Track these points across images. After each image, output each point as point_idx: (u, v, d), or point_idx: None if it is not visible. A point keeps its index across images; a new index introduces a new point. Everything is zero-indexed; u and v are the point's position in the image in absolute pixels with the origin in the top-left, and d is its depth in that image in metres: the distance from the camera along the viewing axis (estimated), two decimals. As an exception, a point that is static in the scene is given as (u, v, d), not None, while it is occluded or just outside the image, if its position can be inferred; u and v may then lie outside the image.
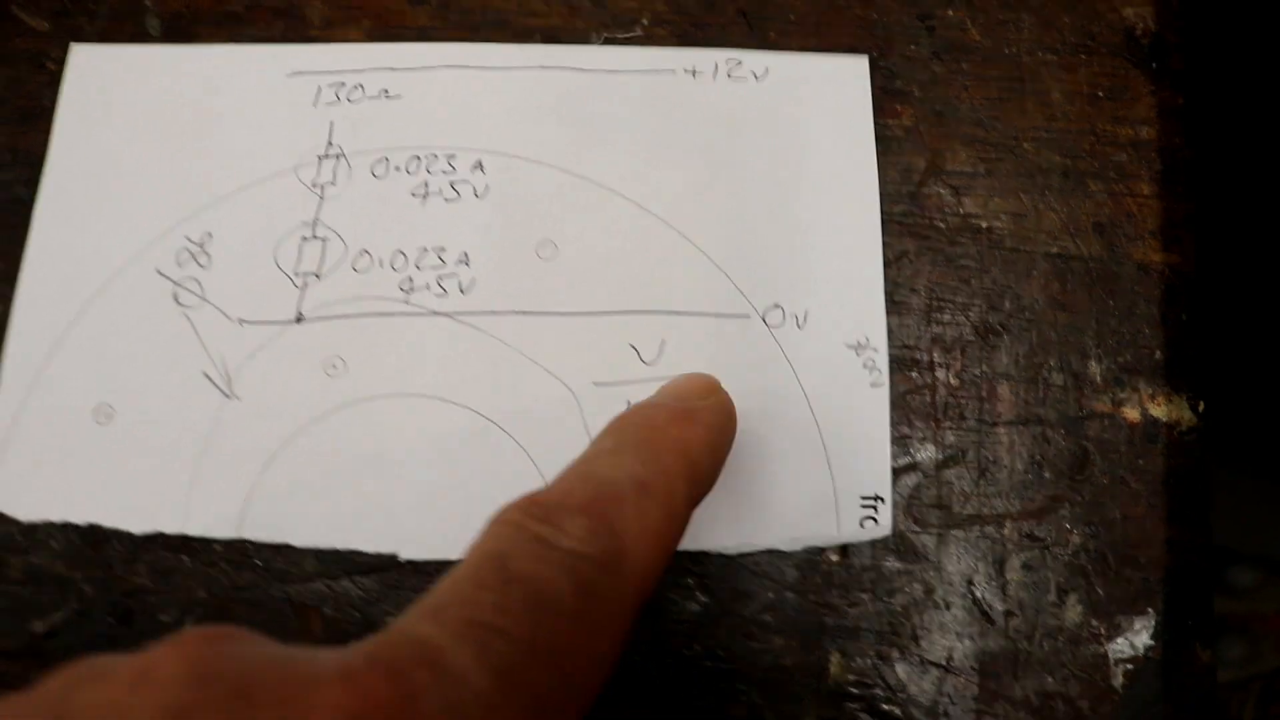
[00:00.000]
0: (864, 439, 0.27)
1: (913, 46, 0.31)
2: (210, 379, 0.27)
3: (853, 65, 0.30)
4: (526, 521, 0.17)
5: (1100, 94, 0.31)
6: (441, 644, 0.15)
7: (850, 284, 0.28)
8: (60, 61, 0.31)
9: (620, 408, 0.26)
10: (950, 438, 0.28)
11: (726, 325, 0.27)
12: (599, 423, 0.26)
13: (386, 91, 0.30)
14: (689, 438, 0.21)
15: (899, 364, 0.28)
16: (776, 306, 0.28)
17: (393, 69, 0.30)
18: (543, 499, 0.18)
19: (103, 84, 0.30)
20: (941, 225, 0.29)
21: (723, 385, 0.24)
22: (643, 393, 0.27)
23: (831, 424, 0.27)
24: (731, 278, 0.28)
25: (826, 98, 0.30)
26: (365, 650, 0.15)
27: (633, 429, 0.21)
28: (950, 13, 0.31)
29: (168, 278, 0.28)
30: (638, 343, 0.27)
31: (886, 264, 0.29)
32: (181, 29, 0.31)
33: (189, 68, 0.30)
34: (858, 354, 0.27)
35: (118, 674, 0.14)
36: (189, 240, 0.29)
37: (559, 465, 0.26)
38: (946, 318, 0.29)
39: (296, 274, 0.28)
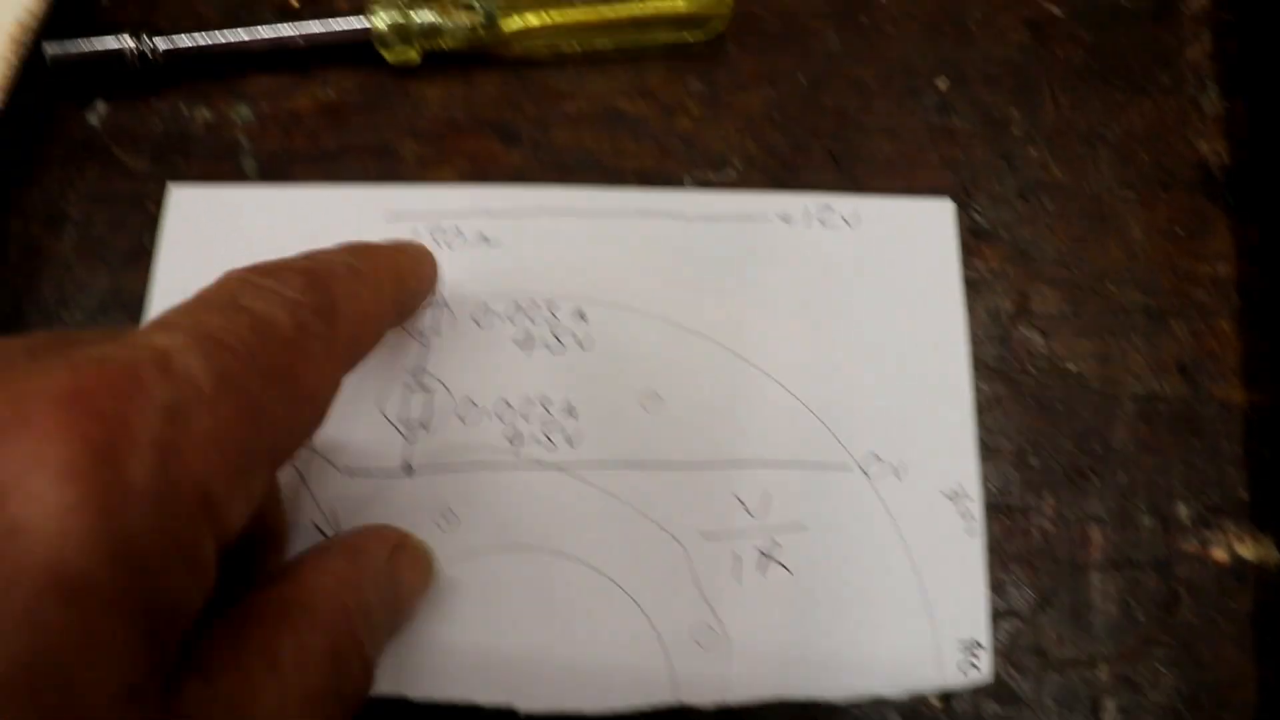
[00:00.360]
0: (962, 586, 0.28)
1: (997, 186, 0.31)
2: (321, 530, 0.28)
3: (939, 208, 0.31)
4: (251, 276, 0.20)
5: (1179, 230, 0.31)
6: (171, 349, 0.17)
7: (944, 432, 0.29)
8: (159, 202, 0.31)
9: (728, 560, 0.27)
10: (1044, 581, 0.29)
11: (828, 476, 0.28)
12: (709, 575, 0.27)
13: (485, 236, 0.30)
14: (396, 257, 0.25)
15: (992, 509, 0.29)
16: (874, 456, 0.28)
17: (490, 213, 0.30)
18: (265, 265, 0.21)
19: (201, 224, 0.31)
20: (1031, 369, 0.30)
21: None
22: (750, 545, 0.28)
23: (931, 572, 0.28)
24: (831, 428, 0.28)
25: (914, 241, 0.30)
26: (97, 350, 0.16)
27: (349, 243, 0.24)
28: (1032, 151, 0.32)
29: None
30: (743, 495, 0.28)
31: (979, 409, 0.29)
32: (277, 168, 0.32)
33: (287, 208, 0.31)
34: (954, 502, 0.28)
35: None
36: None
37: (671, 617, 0.27)
38: (1036, 463, 0.29)
39: (404, 424, 0.28)
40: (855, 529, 0.28)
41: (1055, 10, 0.34)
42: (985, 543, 0.28)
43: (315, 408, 0.20)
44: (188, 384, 0.17)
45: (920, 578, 0.28)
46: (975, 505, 0.28)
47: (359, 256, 0.23)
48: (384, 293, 0.24)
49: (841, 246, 0.30)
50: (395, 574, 0.24)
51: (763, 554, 0.27)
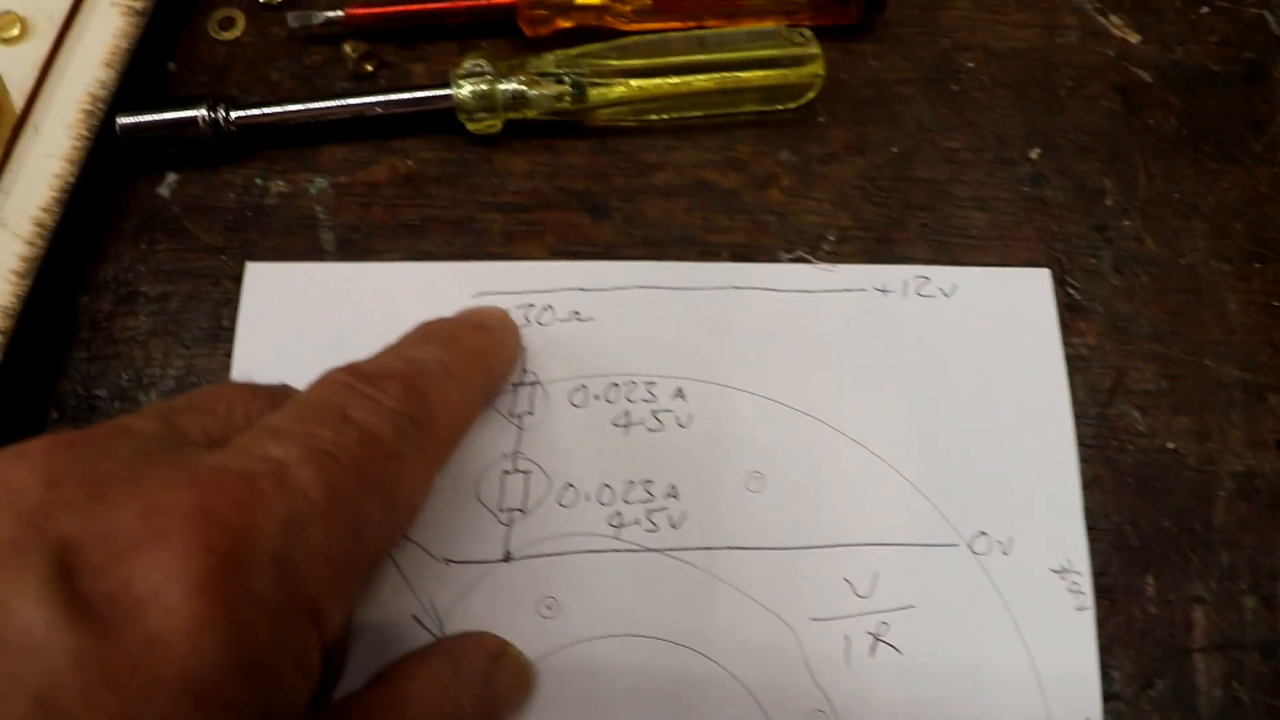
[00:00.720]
0: (1074, 665, 0.27)
1: (1092, 260, 0.31)
2: (421, 623, 0.27)
3: (1036, 278, 0.30)
4: (354, 382, 0.21)
5: (1275, 303, 0.31)
6: (286, 461, 0.18)
7: (1050, 506, 0.28)
8: (235, 278, 0.30)
9: (839, 643, 0.27)
10: (1147, 664, 0.28)
11: (936, 555, 0.28)
12: (820, 659, 0.26)
13: (578, 314, 0.29)
14: (483, 342, 0.26)
15: (1098, 591, 0.29)
16: (982, 534, 0.28)
17: (583, 289, 0.30)
18: (364, 368, 0.21)
19: (280, 302, 0.30)
20: (1130, 446, 0.30)
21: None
22: (861, 628, 0.27)
23: (1042, 650, 0.27)
24: (937, 506, 0.28)
25: (1013, 312, 0.30)
26: (215, 461, 0.18)
27: (437, 329, 0.25)
28: (1126, 222, 0.31)
29: None
30: (851, 576, 0.27)
31: (1081, 488, 0.29)
32: (356, 241, 0.31)
33: (369, 286, 0.30)
34: (1062, 578, 0.28)
35: None
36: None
37: (783, 702, 0.26)
38: (1136, 542, 0.29)
39: (501, 510, 0.28)
40: (964, 607, 0.27)
41: (1144, 76, 0.33)
42: (1095, 618, 0.28)
43: (410, 513, 0.21)
44: (302, 498, 0.18)
45: (1031, 656, 0.27)
46: (1084, 580, 0.28)
47: (449, 349, 0.24)
48: (473, 386, 0.25)
49: (940, 318, 0.30)
50: (493, 684, 0.24)
51: (872, 636, 0.27)
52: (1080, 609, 0.28)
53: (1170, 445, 0.30)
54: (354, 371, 0.21)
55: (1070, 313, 0.30)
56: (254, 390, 0.22)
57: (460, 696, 0.23)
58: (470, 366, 0.25)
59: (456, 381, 0.23)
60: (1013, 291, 0.30)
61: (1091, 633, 0.28)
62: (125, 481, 0.17)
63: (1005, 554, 0.28)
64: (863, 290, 0.30)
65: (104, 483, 0.17)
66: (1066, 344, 0.30)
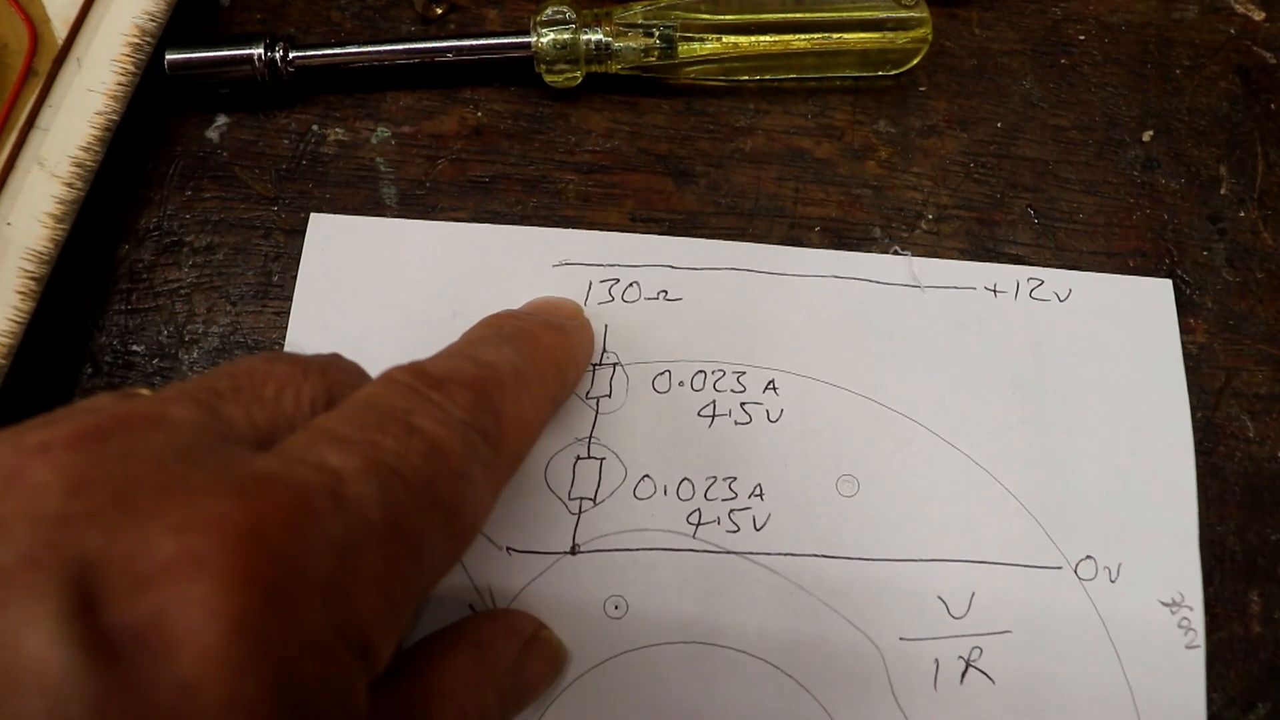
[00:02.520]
0: (1180, 707, 0.25)
1: (1205, 253, 0.29)
2: (475, 612, 0.25)
3: (1158, 289, 0.28)
4: (420, 387, 0.18)
5: (1397, 307, 0.29)
6: (344, 473, 0.16)
7: (1164, 534, 0.26)
8: (287, 231, 0.28)
9: (928, 667, 0.25)
10: (1250, 685, 0.27)
11: (1038, 578, 0.26)
12: (906, 683, 0.24)
13: (666, 293, 0.27)
14: (558, 346, 0.23)
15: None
16: (1089, 558, 0.26)
17: (672, 267, 0.27)
18: (432, 370, 0.19)
19: (344, 257, 0.28)
20: (1238, 454, 0.28)
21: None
22: (953, 651, 0.25)
23: (1145, 688, 0.25)
24: (1043, 525, 0.26)
25: (1131, 324, 0.28)
26: (265, 466, 0.15)
27: (510, 328, 0.22)
28: (1241, 214, 0.29)
29: None
30: (946, 595, 0.25)
31: (1184, 495, 0.27)
32: (419, 198, 0.29)
33: (442, 247, 0.28)
34: (1172, 612, 0.26)
35: None
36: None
37: None
38: (1241, 556, 0.27)
39: (571, 498, 0.26)
40: (1064, 636, 0.26)
41: (1268, 57, 0.31)
42: (1206, 658, 0.26)
43: (471, 536, 0.19)
44: (360, 517, 0.15)
45: (1134, 694, 0.25)
46: (1197, 617, 0.26)
47: (523, 352, 0.21)
48: (546, 397, 0.22)
49: (1054, 324, 0.28)
50: (522, 670, 0.23)
51: (964, 661, 0.25)
52: (1190, 647, 0.26)
53: (1281, 454, 0.28)
54: (420, 374, 0.19)
55: (1180, 308, 0.28)
56: (304, 368, 0.19)
57: (487, 692, 0.21)
58: (545, 374, 0.22)
59: (529, 391, 0.21)
60: (1132, 301, 0.28)
61: (1201, 673, 0.26)
62: (158, 489, 0.14)
63: (1112, 581, 0.26)
64: (972, 289, 0.28)
65: (134, 489, 0.14)
66: (1175, 341, 0.28)
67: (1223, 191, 0.30)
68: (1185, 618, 0.26)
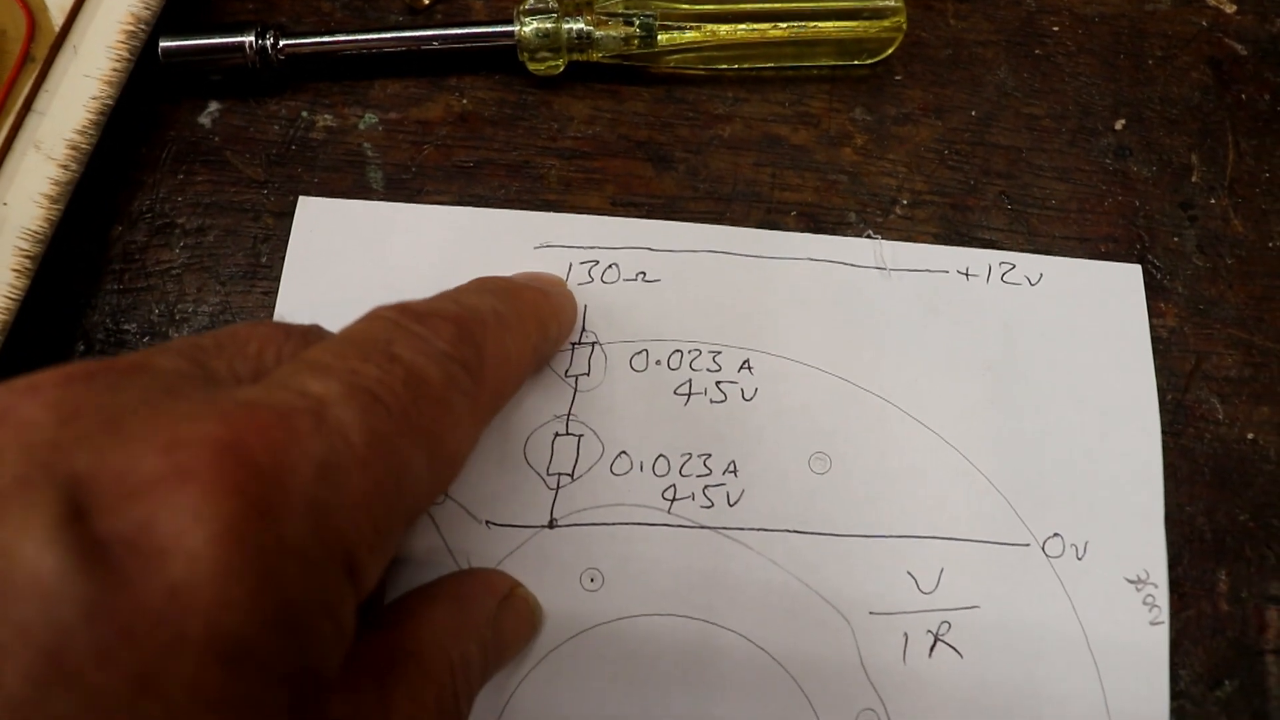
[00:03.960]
0: (1142, 680, 0.26)
1: (1175, 239, 0.29)
2: (456, 584, 0.26)
3: (1127, 273, 0.29)
4: (404, 320, 0.19)
5: (1364, 292, 0.30)
6: (326, 398, 0.16)
7: (1130, 512, 0.27)
8: (276, 214, 0.29)
9: (897, 640, 0.25)
10: (1216, 663, 0.27)
11: (1006, 555, 0.26)
12: (876, 656, 0.25)
13: (644, 274, 0.28)
14: (540, 301, 0.24)
15: (1168, 584, 0.27)
16: (1056, 535, 0.26)
17: (651, 249, 0.28)
18: (416, 307, 0.20)
19: (331, 239, 0.29)
20: (1208, 435, 0.28)
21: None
22: (921, 625, 0.26)
23: (1110, 663, 0.26)
24: (1011, 503, 0.27)
25: (1101, 307, 0.28)
26: (246, 395, 0.16)
27: (494, 283, 0.23)
28: (1212, 201, 0.30)
29: None
30: (916, 570, 0.26)
31: (1152, 476, 0.28)
32: (405, 183, 0.29)
33: (426, 228, 0.28)
34: (1137, 589, 0.26)
35: None
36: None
37: (833, 699, 0.25)
38: (1210, 536, 0.28)
39: (549, 474, 0.26)
40: (1031, 612, 0.26)
41: (1239, 48, 0.32)
42: (1171, 634, 0.27)
43: (454, 466, 0.20)
44: (341, 439, 0.16)
45: (1099, 669, 0.26)
46: (1161, 593, 0.26)
47: (506, 301, 0.22)
48: (528, 343, 0.23)
49: (1024, 307, 0.28)
50: (500, 625, 0.23)
51: (933, 635, 0.26)
52: (1154, 623, 0.26)
53: (1250, 436, 0.28)
54: (404, 310, 0.20)
55: (1150, 293, 0.29)
56: (287, 331, 0.20)
57: (469, 639, 0.22)
58: (527, 321, 0.23)
59: (512, 333, 0.22)
60: (1102, 285, 0.29)
61: (1164, 650, 0.26)
62: (146, 415, 0.15)
63: (1079, 559, 0.26)
64: (944, 272, 0.28)
65: (122, 416, 0.15)
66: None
67: (1194, 179, 0.30)
68: (1150, 595, 0.26)
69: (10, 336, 0.26)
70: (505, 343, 0.21)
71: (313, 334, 0.21)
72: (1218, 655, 0.27)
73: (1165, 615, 0.26)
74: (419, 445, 0.18)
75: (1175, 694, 0.26)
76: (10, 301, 0.26)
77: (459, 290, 0.23)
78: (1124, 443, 0.27)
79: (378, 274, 0.28)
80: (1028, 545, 0.26)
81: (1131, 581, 0.26)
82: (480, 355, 0.20)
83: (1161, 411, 0.28)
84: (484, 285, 0.23)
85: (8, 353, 0.25)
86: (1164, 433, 0.28)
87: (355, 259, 0.28)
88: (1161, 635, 0.26)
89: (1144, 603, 0.26)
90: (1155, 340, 0.29)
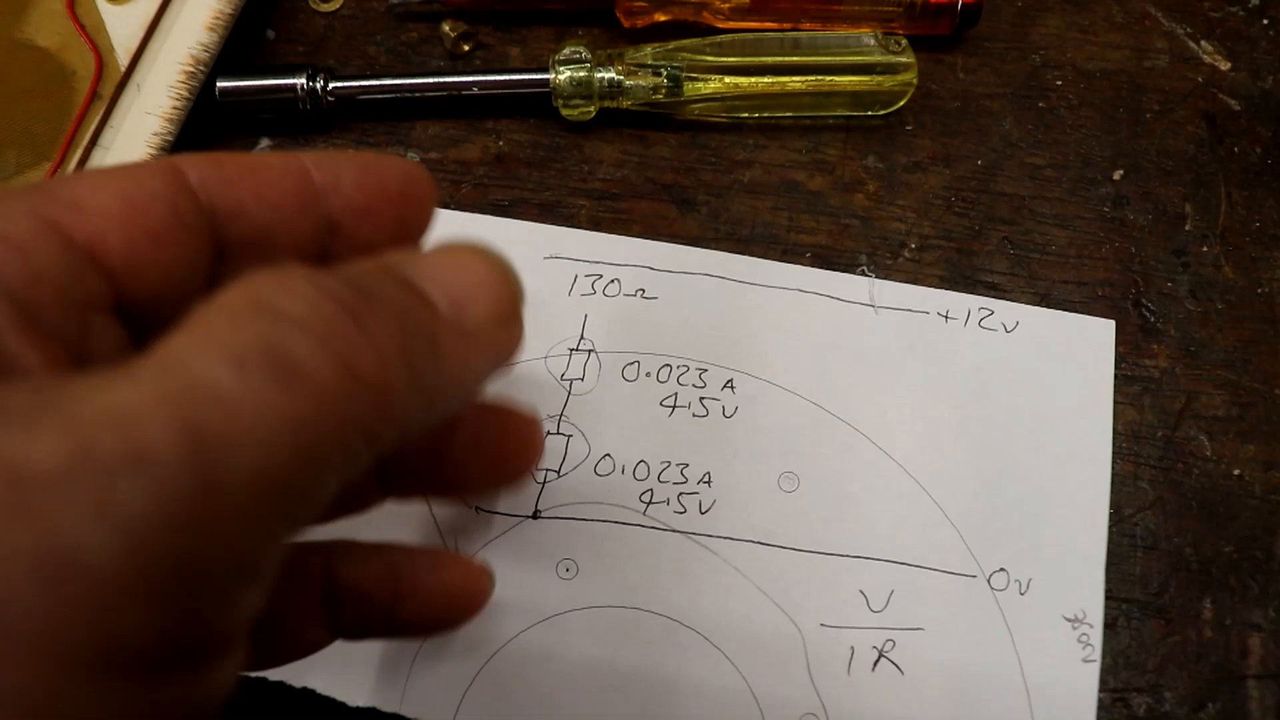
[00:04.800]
0: (1071, 714, 0.27)
1: (1169, 284, 0.31)
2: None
3: (1100, 327, 0.30)
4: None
5: (1348, 338, 0.31)
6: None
7: (1074, 556, 0.28)
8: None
9: (843, 653, 0.27)
10: (1201, 686, 0.29)
11: (953, 583, 0.28)
12: (822, 665, 0.27)
13: (643, 290, 0.30)
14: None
15: (1148, 609, 0.29)
16: (1002, 570, 0.28)
17: (652, 268, 0.30)
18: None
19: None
20: (1196, 471, 0.30)
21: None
22: (867, 641, 0.27)
23: (1041, 695, 0.27)
24: (963, 535, 0.28)
25: (1072, 358, 0.30)
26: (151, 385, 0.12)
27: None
28: (1205, 249, 0.32)
29: None
30: (867, 590, 0.28)
31: (1142, 508, 0.29)
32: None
33: (446, 231, 0.30)
34: (1074, 628, 0.28)
35: None
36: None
37: (779, 701, 0.27)
38: (1196, 565, 0.29)
39: (537, 468, 0.28)
40: (972, 639, 0.28)
41: (1232, 103, 0.33)
42: (1100, 671, 0.28)
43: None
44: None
45: (1030, 699, 0.27)
46: (1095, 633, 0.28)
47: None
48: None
49: (998, 352, 0.30)
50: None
51: (877, 651, 0.27)
52: (1087, 660, 0.28)
53: (1236, 472, 0.30)
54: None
55: (1144, 335, 0.31)
56: None
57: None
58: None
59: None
60: (1075, 338, 0.30)
61: (1094, 686, 0.28)
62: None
63: (1022, 594, 0.28)
64: (926, 313, 0.30)
65: None
66: (1138, 366, 0.30)
67: (1187, 228, 0.32)
68: (1085, 634, 0.28)
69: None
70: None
71: None
72: (1202, 679, 0.29)
73: (1098, 654, 0.28)
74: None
75: (1161, 715, 0.28)
76: (76, 325, 0.28)
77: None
78: (1075, 489, 0.29)
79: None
80: (974, 577, 0.28)
81: (1069, 620, 0.28)
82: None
83: (1152, 447, 0.30)
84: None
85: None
86: (1154, 467, 0.30)
87: None
88: (1093, 672, 0.28)
89: (1079, 640, 0.28)
90: (1148, 379, 0.30)
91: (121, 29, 0.31)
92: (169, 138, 0.30)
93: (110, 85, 0.30)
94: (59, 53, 0.31)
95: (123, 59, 0.31)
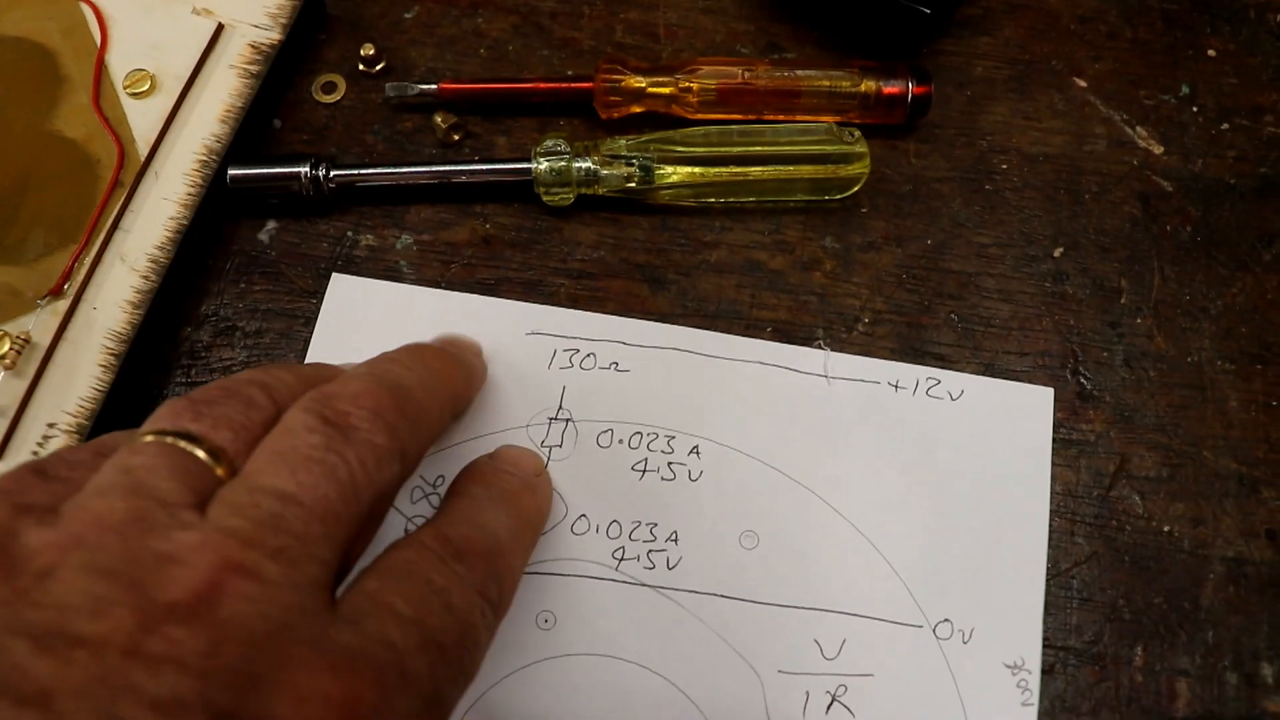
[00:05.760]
0: None
1: (1105, 354, 0.34)
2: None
3: (1039, 395, 0.33)
4: (447, 558, 0.22)
5: (1274, 402, 0.34)
6: (405, 650, 0.19)
7: (1013, 606, 0.31)
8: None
9: (799, 697, 0.29)
10: (1133, 731, 0.31)
11: (901, 633, 0.30)
12: (780, 709, 0.29)
13: (617, 364, 0.32)
14: (531, 506, 0.28)
15: (1084, 657, 0.31)
16: (947, 620, 0.30)
17: (625, 343, 0.33)
18: (453, 537, 0.23)
19: (357, 313, 0.33)
20: (1129, 528, 0.32)
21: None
22: (821, 686, 0.30)
23: None
24: (910, 588, 0.31)
25: (1012, 425, 0.32)
26: (347, 642, 0.18)
27: (499, 489, 0.26)
28: (1138, 320, 0.34)
29: (401, 513, 0.31)
30: (821, 639, 0.30)
31: (1078, 562, 0.32)
32: (436, 294, 0.34)
33: (438, 310, 0.33)
34: (1013, 674, 0.30)
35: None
36: (423, 480, 0.32)
37: None
38: (1129, 615, 0.32)
39: None
40: (919, 685, 0.30)
41: (1165, 185, 0.36)
42: (1038, 715, 0.30)
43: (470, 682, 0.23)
44: (415, 693, 0.19)
45: None
46: (1033, 679, 0.30)
47: (513, 518, 0.26)
48: (527, 556, 0.28)
49: (944, 419, 0.32)
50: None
51: (830, 695, 0.30)
52: (1025, 704, 0.30)
53: (1166, 529, 0.32)
54: (444, 542, 0.22)
55: (1081, 400, 0.33)
56: (298, 374, 0.24)
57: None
58: (527, 535, 0.27)
59: (519, 554, 0.25)
60: (1015, 405, 0.33)
61: None
62: (273, 661, 0.17)
63: (965, 643, 0.30)
64: (877, 383, 0.33)
65: (254, 656, 0.17)
66: (1075, 430, 0.33)
67: (1123, 301, 0.35)
68: (1024, 680, 0.30)
69: (95, 422, 0.30)
70: (515, 566, 0.25)
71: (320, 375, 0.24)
72: (1134, 723, 0.31)
73: (1035, 699, 0.30)
74: (460, 685, 0.21)
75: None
76: (97, 393, 0.31)
77: (476, 504, 0.25)
78: (1015, 545, 0.31)
79: (393, 345, 0.32)
80: (920, 626, 0.30)
81: (1009, 666, 0.30)
82: (502, 589, 0.23)
83: (1088, 505, 0.32)
84: (491, 492, 0.26)
85: (94, 435, 0.30)
86: (1090, 524, 0.32)
87: (375, 332, 0.33)
88: (1031, 716, 0.30)
89: (1018, 686, 0.30)
90: (1084, 443, 0.33)
91: (142, 121, 0.34)
92: (184, 221, 0.33)
93: (131, 173, 0.33)
94: (85, 143, 0.33)
95: (143, 149, 0.34)
